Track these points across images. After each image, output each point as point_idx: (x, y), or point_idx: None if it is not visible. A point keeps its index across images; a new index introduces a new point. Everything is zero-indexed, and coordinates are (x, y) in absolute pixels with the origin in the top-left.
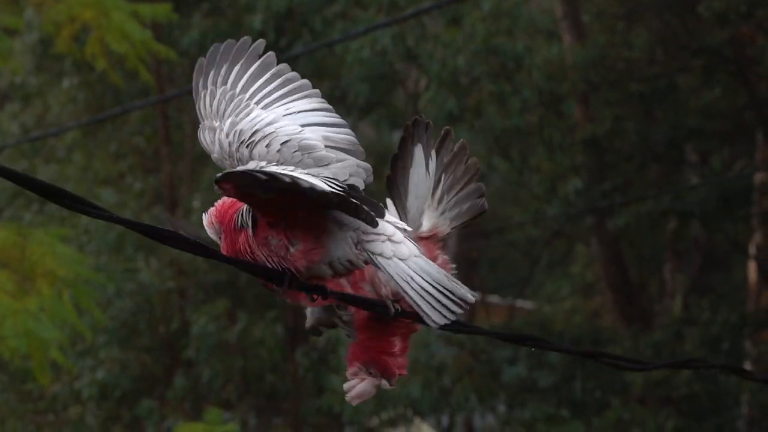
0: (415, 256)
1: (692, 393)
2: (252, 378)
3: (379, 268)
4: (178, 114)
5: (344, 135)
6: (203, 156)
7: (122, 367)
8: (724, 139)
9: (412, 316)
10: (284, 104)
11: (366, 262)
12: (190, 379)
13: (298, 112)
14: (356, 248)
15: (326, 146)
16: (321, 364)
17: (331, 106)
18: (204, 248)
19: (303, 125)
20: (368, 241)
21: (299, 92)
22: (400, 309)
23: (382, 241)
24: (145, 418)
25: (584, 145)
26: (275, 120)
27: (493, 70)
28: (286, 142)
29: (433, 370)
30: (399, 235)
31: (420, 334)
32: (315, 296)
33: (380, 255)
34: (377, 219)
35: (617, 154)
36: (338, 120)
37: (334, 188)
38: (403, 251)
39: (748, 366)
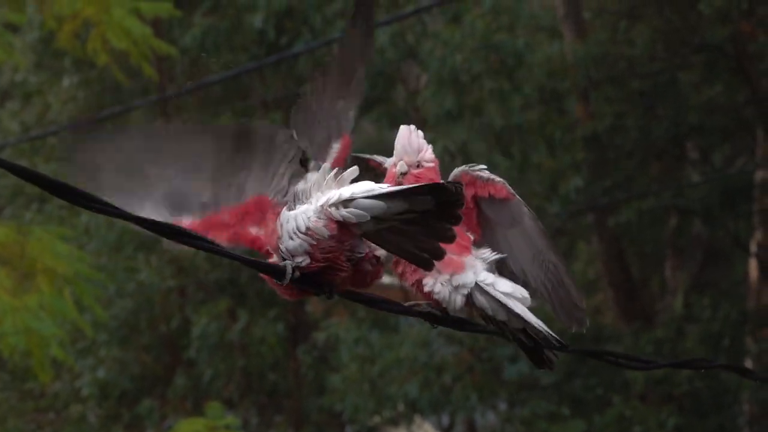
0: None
1: (693, 390)
2: (253, 376)
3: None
4: (178, 112)
5: None
6: None
7: (123, 366)
8: (726, 136)
9: (427, 318)
10: None
11: (337, 221)
12: (191, 378)
13: None
14: (316, 216)
15: None
16: (322, 363)
17: None
18: (206, 241)
19: None
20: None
21: None
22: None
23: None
24: (145, 417)
25: (585, 142)
26: None
27: (493, 67)
28: None
29: (433, 369)
30: None
31: (420, 333)
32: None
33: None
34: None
35: (618, 151)
36: None
37: None
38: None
39: (749, 363)
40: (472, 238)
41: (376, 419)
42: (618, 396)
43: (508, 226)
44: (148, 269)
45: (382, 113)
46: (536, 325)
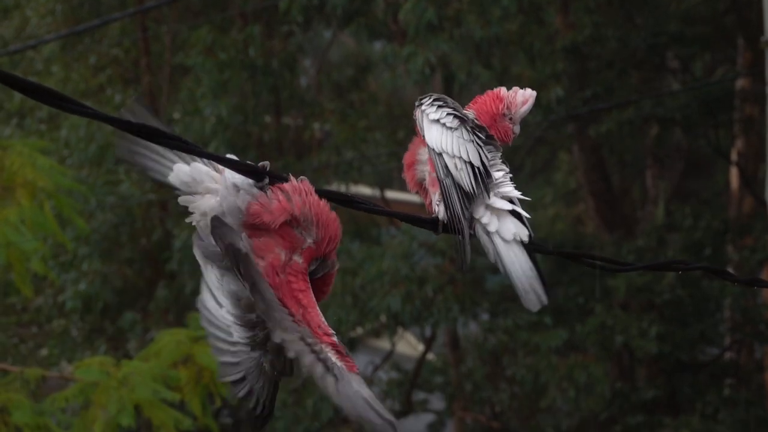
0: None
1: (675, 298)
2: None
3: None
4: (156, 25)
5: None
6: (182, 67)
7: (104, 280)
8: (706, 45)
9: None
10: None
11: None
12: (172, 291)
13: None
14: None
15: None
16: None
17: None
18: (179, 140)
19: None
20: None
21: None
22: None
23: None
24: (128, 330)
25: (565, 53)
26: None
27: None
28: None
29: (415, 281)
30: None
31: (402, 244)
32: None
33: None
34: None
35: (598, 61)
36: None
37: None
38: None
39: (730, 271)
40: None
41: (359, 331)
42: (599, 305)
43: None
44: (129, 182)
45: (362, 25)
46: (520, 283)
